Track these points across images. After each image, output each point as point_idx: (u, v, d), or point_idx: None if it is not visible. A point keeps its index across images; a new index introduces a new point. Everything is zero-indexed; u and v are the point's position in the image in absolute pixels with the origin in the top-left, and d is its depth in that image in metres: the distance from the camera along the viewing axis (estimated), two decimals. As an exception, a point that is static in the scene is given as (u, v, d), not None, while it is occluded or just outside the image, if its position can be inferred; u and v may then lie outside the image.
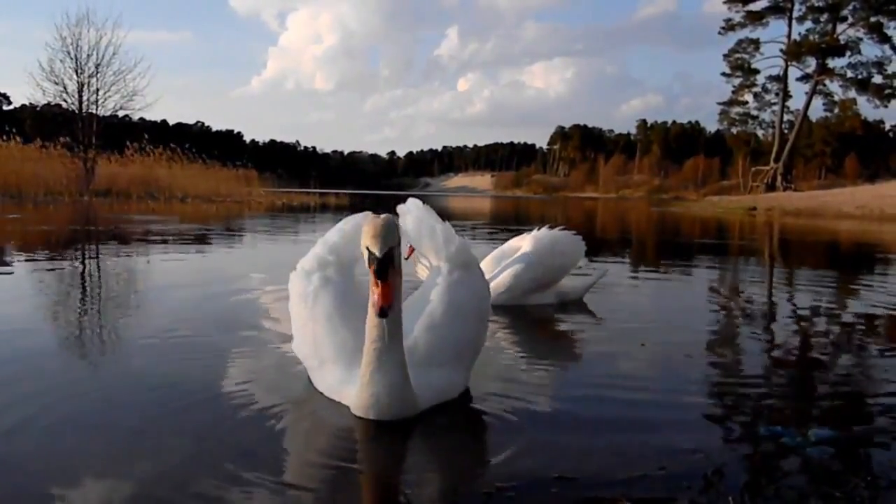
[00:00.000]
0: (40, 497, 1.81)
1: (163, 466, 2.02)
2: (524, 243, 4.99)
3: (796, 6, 53.46)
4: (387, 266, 2.24)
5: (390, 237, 2.27)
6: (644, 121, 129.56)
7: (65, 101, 27.72)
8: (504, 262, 4.91)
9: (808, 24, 54.20)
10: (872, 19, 50.58)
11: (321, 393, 2.65)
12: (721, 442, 2.33)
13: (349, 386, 2.45)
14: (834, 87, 54.91)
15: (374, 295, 2.21)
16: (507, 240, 5.26)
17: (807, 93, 54.90)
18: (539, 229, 5.10)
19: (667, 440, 2.33)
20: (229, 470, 1.98)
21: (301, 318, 2.76)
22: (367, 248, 2.26)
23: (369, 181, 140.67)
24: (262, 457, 2.08)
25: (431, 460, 2.28)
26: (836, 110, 63.48)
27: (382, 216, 2.37)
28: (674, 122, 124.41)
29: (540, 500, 1.83)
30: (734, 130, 65.63)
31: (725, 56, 57.00)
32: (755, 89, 57.65)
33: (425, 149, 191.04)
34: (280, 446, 2.21)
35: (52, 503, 1.79)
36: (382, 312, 2.19)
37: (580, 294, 5.24)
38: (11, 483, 1.90)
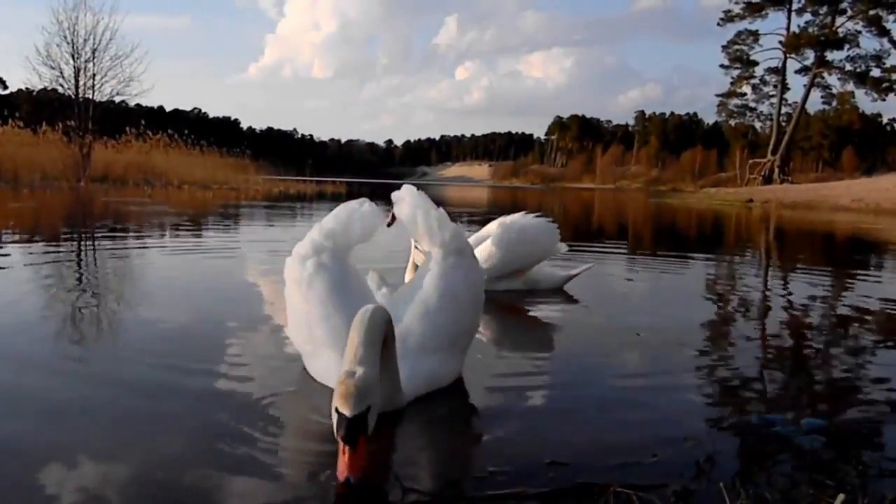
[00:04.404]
0: (34, 482, 1.81)
1: (157, 451, 2.02)
2: (492, 229, 4.86)
3: (795, -2, 53.33)
4: (357, 429, 1.83)
5: (366, 397, 1.87)
6: (642, 112, 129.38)
7: (61, 85, 27.48)
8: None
9: (808, 16, 54.21)
10: (871, 12, 50.49)
11: (315, 379, 2.64)
12: (713, 430, 2.34)
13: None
14: (832, 79, 54.90)
15: (340, 461, 1.82)
16: None
17: (805, 85, 54.86)
18: (510, 215, 4.97)
19: (659, 427, 2.34)
20: (222, 456, 1.99)
21: (295, 303, 2.75)
22: (336, 410, 1.85)
23: (366, 170, 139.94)
24: (255, 443, 2.08)
25: (424, 446, 2.28)
26: (834, 103, 63.48)
27: (356, 374, 1.91)
28: (672, 113, 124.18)
29: (532, 485, 1.83)
30: (732, 122, 65.64)
31: (724, 48, 56.90)
32: (753, 81, 57.62)
33: (423, 137, 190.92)
34: (273, 432, 2.20)
35: (45, 489, 1.78)
36: (346, 482, 1.80)
37: (556, 284, 5.09)
38: (5, 468, 1.90)
